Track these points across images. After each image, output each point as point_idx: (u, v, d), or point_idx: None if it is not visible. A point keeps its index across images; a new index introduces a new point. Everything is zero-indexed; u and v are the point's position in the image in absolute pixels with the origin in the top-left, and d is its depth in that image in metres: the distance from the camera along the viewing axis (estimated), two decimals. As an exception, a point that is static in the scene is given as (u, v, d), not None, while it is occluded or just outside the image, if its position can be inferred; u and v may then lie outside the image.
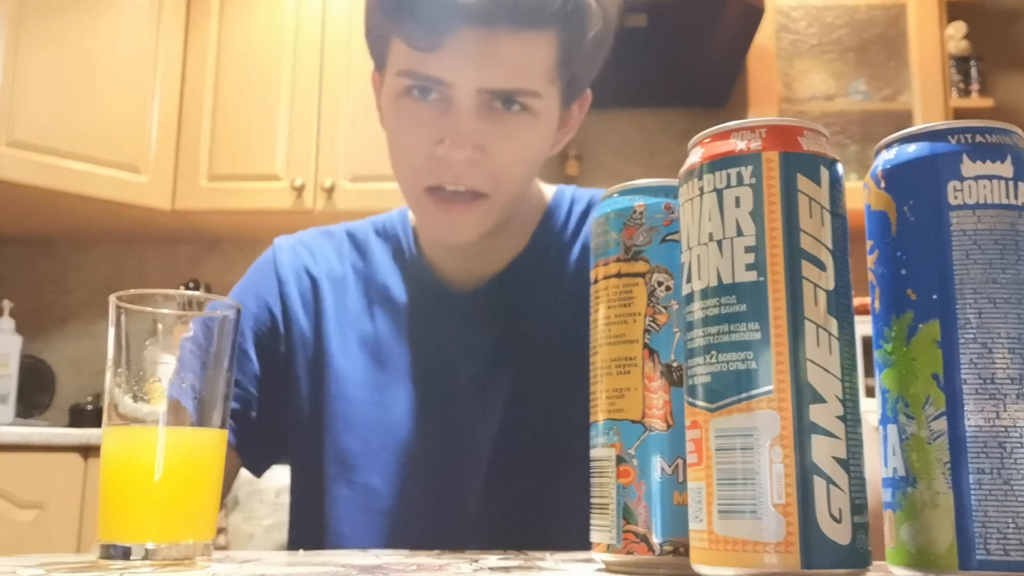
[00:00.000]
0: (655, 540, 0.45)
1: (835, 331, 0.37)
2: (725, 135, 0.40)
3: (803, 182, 0.38)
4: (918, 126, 0.40)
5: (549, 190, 0.94)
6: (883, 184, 0.41)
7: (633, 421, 0.46)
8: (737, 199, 0.38)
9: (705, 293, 0.39)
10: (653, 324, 0.47)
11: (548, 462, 0.86)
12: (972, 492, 0.36)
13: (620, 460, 0.46)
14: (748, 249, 0.38)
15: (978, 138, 0.39)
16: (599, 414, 0.48)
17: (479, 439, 0.87)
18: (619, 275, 0.48)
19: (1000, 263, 0.37)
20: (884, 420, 0.40)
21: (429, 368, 0.89)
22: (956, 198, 0.38)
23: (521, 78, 0.78)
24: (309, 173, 2.51)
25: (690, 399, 0.39)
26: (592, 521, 0.47)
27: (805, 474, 0.36)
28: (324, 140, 2.52)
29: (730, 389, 0.37)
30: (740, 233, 0.38)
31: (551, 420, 0.86)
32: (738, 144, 0.39)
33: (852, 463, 0.37)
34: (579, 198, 0.94)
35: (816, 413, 0.36)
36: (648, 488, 0.45)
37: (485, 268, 0.90)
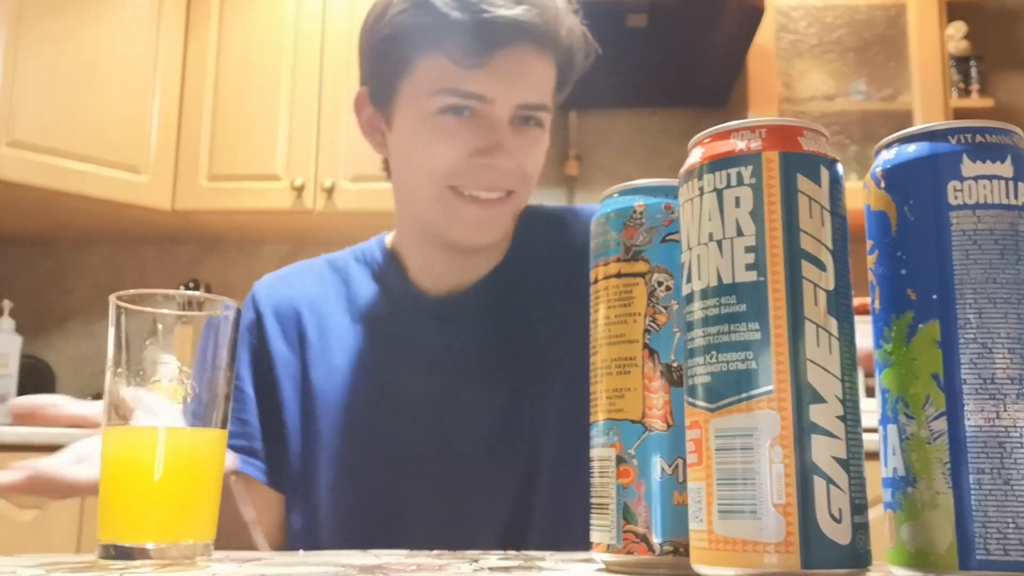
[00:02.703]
0: (655, 540, 0.45)
1: (835, 331, 0.37)
2: (725, 135, 0.40)
3: (803, 182, 0.38)
4: (918, 126, 0.40)
5: None
6: (883, 184, 0.41)
7: (633, 421, 0.46)
8: (737, 199, 0.38)
9: (705, 293, 0.39)
10: (653, 324, 0.47)
11: (541, 462, 0.87)
12: (972, 492, 0.36)
13: (620, 460, 0.46)
14: (748, 249, 0.38)
15: (978, 138, 0.39)
16: (599, 414, 0.47)
17: (473, 444, 0.88)
18: (619, 275, 0.48)
19: (1000, 263, 0.37)
20: (884, 420, 0.40)
21: (417, 377, 0.90)
22: (956, 198, 0.38)
23: (542, 94, 0.87)
24: (309, 173, 2.51)
25: (690, 399, 0.39)
26: (592, 521, 0.47)
27: (805, 474, 0.36)
28: (324, 140, 2.52)
29: (730, 389, 0.37)
30: (740, 233, 0.38)
31: (545, 419, 0.87)
32: (738, 144, 0.39)
33: (852, 463, 0.37)
34: (546, 209, 1.00)
35: (816, 413, 0.36)
36: (648, 488, 0.45)
37: (466, 279, 0.93)
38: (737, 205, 0.38)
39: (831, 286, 0.38)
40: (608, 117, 2.80)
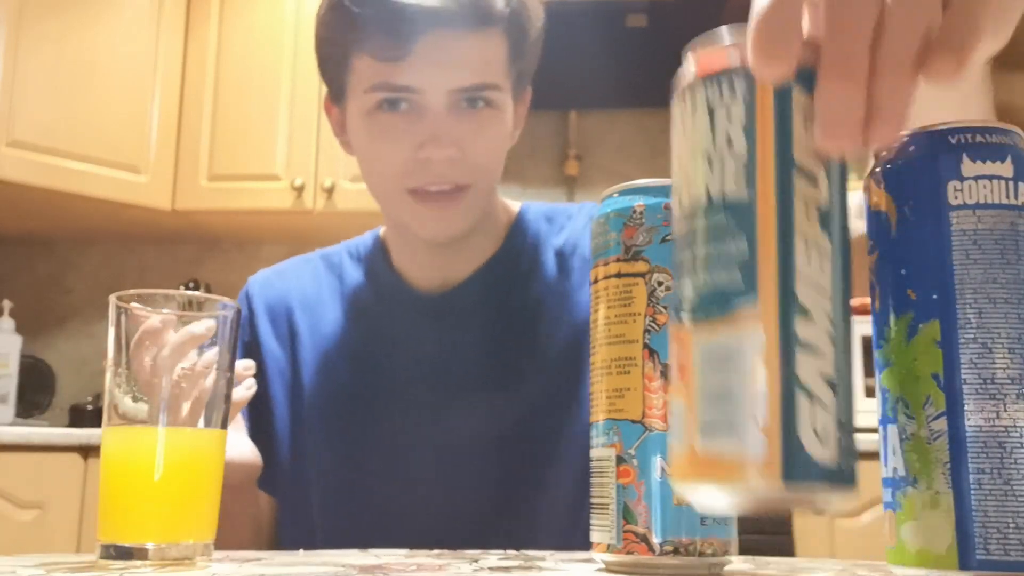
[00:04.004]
0: (655, 540, 0.45)
1: (827, 248, 0.35)
2: (720, 48, 0.38)
3: (799, 96, 0.37)
4: (918, 126, 0.40)
5: (515, 204, 0.98)
6: (883, 184, 0.41)
7: (633, 421, 0.46)
8: (729, 113, 0.37)
9: (694, 209, 0.37)
10: (653, 324, 0.46)
11: (538, 460, 0.87)
12: (972, 492, 0.36)
13: (620, 460, 0.46)
14: (739, 164, 0.36)
15: (978, 138, 0.39)
16: (599, 414, 0.47)
17: (468, 442, 0.87)
18: (619, 275, 0.48)
19: (1000, 263, 0.37)
20: (884, 420, 0.40)
21: (410, 378, 0.90)
22: (956, 198, 0.38)
23: (483, 74, 0.83)
24: (309, 173, 2.51)
25: (674, 316, 0.38)
26: (592, 521, 0.47)
27: (789, 391, 0.34)
28: (324, 140, 2.52)
29: (715, 304, 0.35)
30: (731, 148, 0.37)
31: (540, 418, 0.87)
32: (733, 57, 0.38)
33: (838, 382, 0.35)
34: (543, 208, 0.98)
35: (802, 329, 0.35)
36: (648, 488, 0.45)
37: (456, 274, 0.92)
38: (729, 120, 0.37)
39: (824, 203, 0.36)
40: (608, 117, 2.80)
